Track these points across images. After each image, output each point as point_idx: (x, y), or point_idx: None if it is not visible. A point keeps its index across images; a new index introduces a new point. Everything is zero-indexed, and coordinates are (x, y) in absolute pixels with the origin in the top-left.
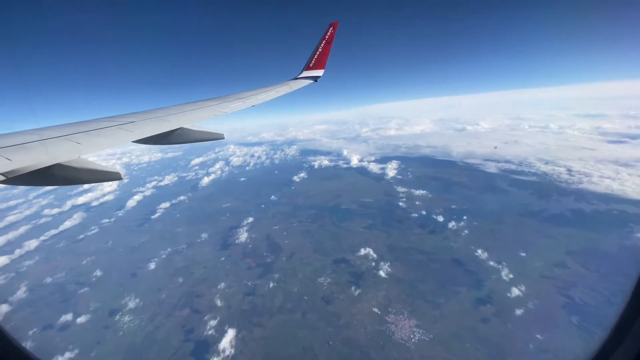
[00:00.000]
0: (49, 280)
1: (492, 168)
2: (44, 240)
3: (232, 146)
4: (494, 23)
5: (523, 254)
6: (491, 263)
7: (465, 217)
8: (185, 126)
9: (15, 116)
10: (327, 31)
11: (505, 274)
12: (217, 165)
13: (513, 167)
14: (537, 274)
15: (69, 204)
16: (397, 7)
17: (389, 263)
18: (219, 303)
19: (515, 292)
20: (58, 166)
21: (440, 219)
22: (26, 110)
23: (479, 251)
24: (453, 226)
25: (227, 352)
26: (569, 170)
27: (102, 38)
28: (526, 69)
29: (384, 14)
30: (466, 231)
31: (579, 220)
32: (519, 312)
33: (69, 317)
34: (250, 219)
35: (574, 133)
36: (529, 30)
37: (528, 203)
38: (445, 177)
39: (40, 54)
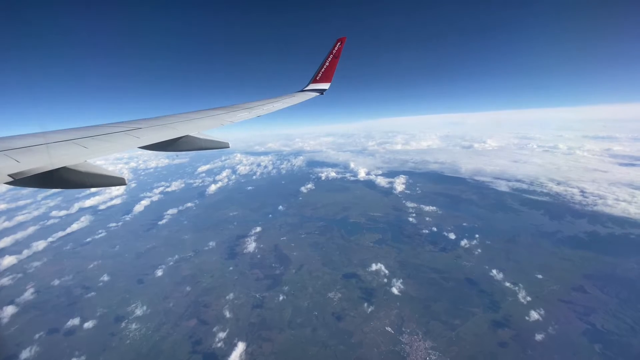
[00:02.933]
0: (56, 282)
1: (502, 186)
2: (51, 242)
3: (238, 155)
4: (499, 43)
5: (539, 276)
6: (507, 284)
7: (477, 236)
8: (191, 134)
9: (20, 119)
10: (335, 46)
11: (523, 296)
12: (224, 173)
13: (524, 186)
14: (555, 298)
15: (76, 206)
16: (404, 25)
17: (401, 280)
18: (227, 314)
19: (534, 315)
20: (64, 169)
21: (452, 236)
22: (32, 113)
23: (494, 271)
24: (465, 244)
25: None
26: (582, 192)
27: (110, 44)
28: (532, 90)
29: (389, 31)
30: (479, 250)
31: (594, 243)
32: (539, 337)
33: (76, 321)
34: (258, 229)
35: (584, 154)
36: (534, 50)
37: (541, 223)
38: (454, 193)
39: (47, 58)
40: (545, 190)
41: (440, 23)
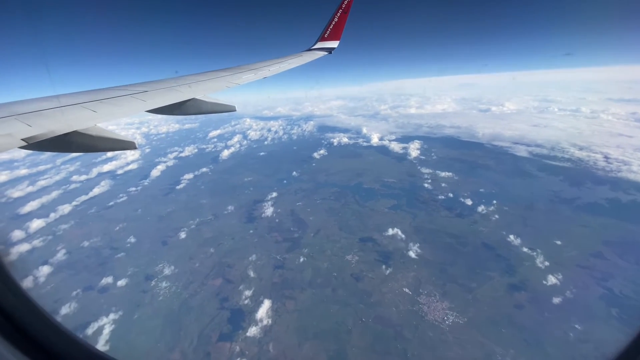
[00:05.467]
0: (85, 244)
1: (522, 152)
2: (76, 206)
3: (248, 120)
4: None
5: (558, 242)
6: (524, 249)
7: (494, 202)
8: (197, 97)
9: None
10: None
11: (540, 261)
12: (236, 139)
13: (545, 151)
14: (573, 264)
15: (95, 171)
16: None
17: (418, 244)
18: (251, 274)
19: (552, 280)
20: (75, 133)
21: (469, 202)
22: (44, 75)
23: (511, 237)
24: (482, 210)
25: (265, 322)
26: (606, 158)
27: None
28: (551, 48)
29: None
30: (496, 216)
31: (615, 210)
32: (556, 300)
33: (109, 279)
34: (274, 194)
35: (608, 118)
36: (552, 4)
37: (560, 190)
38: (471, 159)
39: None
40: (566, 156)
41: None
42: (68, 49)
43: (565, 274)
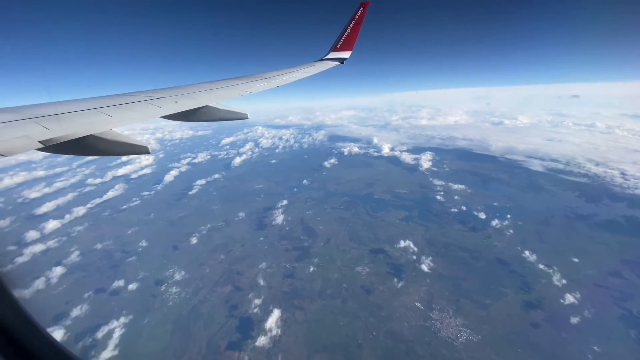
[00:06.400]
0: (98, 246)
1: (536, 166)
2: (90, 208)
3: (260, 128)
4: (529, 12)
5: (575, 260)
6: (540, 266)
7: (508, 216)
8: (210, 104)
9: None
10: (357, 11)
11: (557, 279)
12: (247, 146)
13: (560, 166)
14: (591, 282)
15: (110, 174)
16: None
17: (430, 257)
18: (261, 282)
19: (569, 299)
20: (91, 137)
21: (482, 216)
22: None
23: (527, 253)
24: (496, 224)
25: (274, 332)
26: (623, 174)
27: (131, 12)
28: (565, 63)
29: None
30: (511, 231)
31: (633, 228)
32: (574, 320)
33: (120, 283)
34: (284, 202)
35: (624, 134)
36: (567, 19)
37: (576, 206)
38: (484, 172)
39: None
40: (582, 171)
41: None
42: (88, 58)
43: (583, 293)
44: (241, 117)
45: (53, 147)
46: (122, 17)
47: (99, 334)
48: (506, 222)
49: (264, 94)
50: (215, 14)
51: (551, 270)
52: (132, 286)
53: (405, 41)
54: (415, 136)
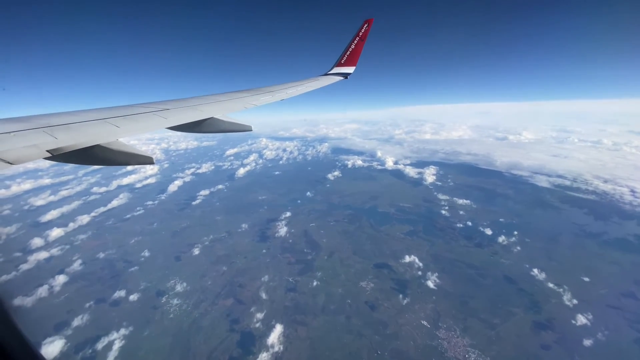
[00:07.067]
0: (101, 255)
1: (542, 182)
2: (94, 217)
3: (264, 139)
4: (532, 28)
5: (586, 279)
6: (550, 285)
7: (515, 232)
8: (216, 116)
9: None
10: (362, 28)
11: (568, 298)
12: (251, 157)
13: (567, 182)
14: (604, 303)
15: (114, 183)
16: (432, 7)
17: (436, 274)
18: (263, 296)
19: (581, 320)
20: (98, 147)
21: (488, 232)
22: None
23: (535, 271)
24: (503, 241)
25: (276, 349)
26: (633, 192)
27: (137, 24)
28: (569, 79)
29: (417, 14)
30: (518, 247)
31: None
32: (587, 342)
33: (122, 293)
34: (288, 214)
35: (632, 151)
36: (570, 37)
37: (585, 223)
38: (489, 187)
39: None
40: (590, 188)
41: (472, 6)
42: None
43: (595, 314)
44: (245, 129)
45: (60, 156)
46: (134, 33)
47: (99, 345)
48: (513, 239)
49: (269, 107)
50: (225, 32)
51: (561, 290)
52: (133, 297)
53: (407, 57)
54: (419, 150)
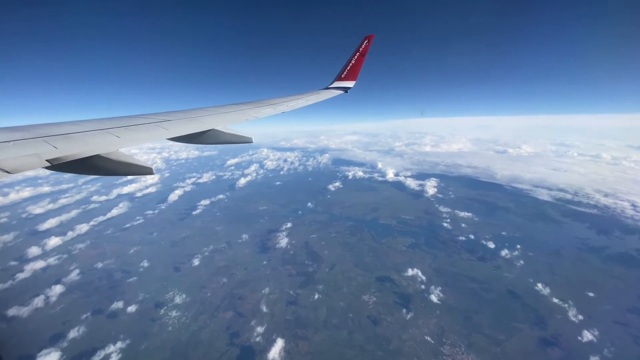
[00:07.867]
0: (99, 265)
1: (544, 195)
2: (93, 226)
3: (265, 150)
4: (532, 43)
5: (590, 294)
6: (555, 300)
7: (518, 246)
8: (217, 128)
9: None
10: (362, 43)
11: (573, 314)
12: (252, 168)
13: (568, 196)
14: (609, 319)
15: (115, 192)
16: (432, 23)
17: (440, 288)
18: (264, 309)
19: (587, 336)
20: (98, 157)
21: (491, 245)
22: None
23: (539, 285)
24: (506, 255)
25: None
26: (634, 206)
27: (136, 35)
28: (568, 94)
29: (417, 30)
30: (521, 261)
31: None
32: (594, 359)
33: (119, 304)
34: (289, 225)
35: (631, 165)
36: (570, 52)
37: (587, 237)
38: (490, 200)
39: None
40: (591, 202)
41: (471, 21)
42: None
43: (601, 330)
44: (246, 141)
45: (59, 165)
46: (138, 43)
47: (95, 359)
48: (516, 253)
49: (271, 118)
50: (230, 47)
51: (566, 305)
52: (131, 308)
53: (408, 71)
54: (420, 162)
